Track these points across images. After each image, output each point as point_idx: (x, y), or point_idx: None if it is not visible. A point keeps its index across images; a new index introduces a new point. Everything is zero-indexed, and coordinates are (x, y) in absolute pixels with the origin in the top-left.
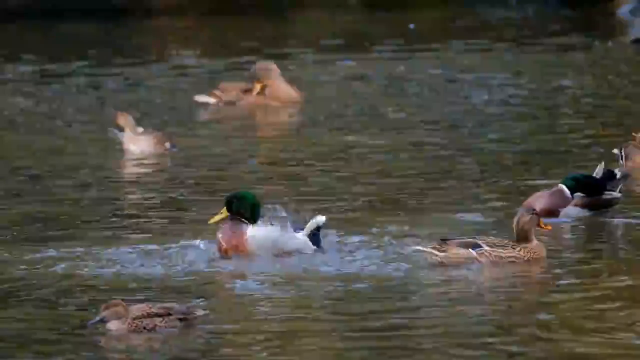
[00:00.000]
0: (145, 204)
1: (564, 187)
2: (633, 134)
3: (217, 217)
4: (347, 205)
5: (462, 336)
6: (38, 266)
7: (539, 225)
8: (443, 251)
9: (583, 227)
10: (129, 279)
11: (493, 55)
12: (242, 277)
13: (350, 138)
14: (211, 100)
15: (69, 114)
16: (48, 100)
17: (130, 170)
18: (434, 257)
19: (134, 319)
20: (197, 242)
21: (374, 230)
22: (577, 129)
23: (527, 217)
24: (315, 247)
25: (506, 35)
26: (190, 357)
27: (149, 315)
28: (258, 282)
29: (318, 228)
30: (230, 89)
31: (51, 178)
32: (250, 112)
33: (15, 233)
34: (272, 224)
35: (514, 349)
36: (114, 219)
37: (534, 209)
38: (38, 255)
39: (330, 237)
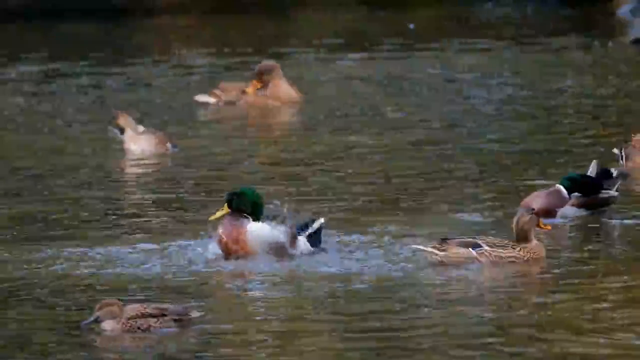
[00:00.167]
0: (145, 204)
1: (561, 187)
2: (632, 135)
3: (218, 214)
4: (347, 205)
5: (462, 336)
6: (38, 266)
7: (538, 225)
8: (443, 250)
9: (582, 227)
10: (129, 279)
11: (492, 54)
12: (242, 277)
13: (350, 138)
14: (211, 100)
15: (69, 113)
16: (48, 100)
17: (131, 170)
18: (434, 257)
19: (128, 319)
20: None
21: (374, 230)
22: (576, 129)
23: (526, 217)
24: (314, 248)
25: (505, 34)
26: (187, 357)
27: (143, 316)
28: (258, 282)
29: (318, 229)
30: (231, 89)
31: (51, 178)
32: (250, 112)
33: (15, 233)
34: (274, 223)
35: (514, 349)
36: (114, 219)
37: (534, 209)
38: (38, 255)
39: (330, 237)
